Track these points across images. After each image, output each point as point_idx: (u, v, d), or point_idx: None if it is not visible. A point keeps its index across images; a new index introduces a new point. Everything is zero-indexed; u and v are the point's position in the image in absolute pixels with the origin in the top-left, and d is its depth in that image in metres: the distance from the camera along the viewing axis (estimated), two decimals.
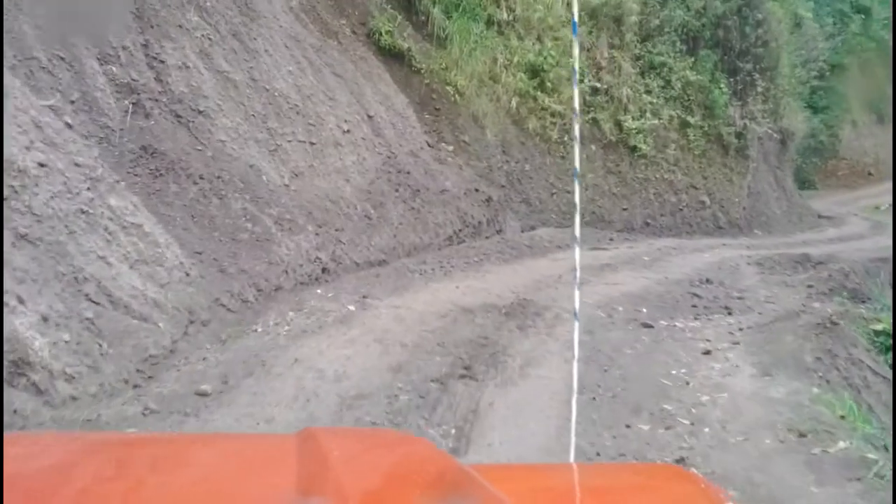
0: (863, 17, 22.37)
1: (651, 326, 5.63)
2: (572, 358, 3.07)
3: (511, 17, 11.16)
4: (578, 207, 2.96)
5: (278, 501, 0.92)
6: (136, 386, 3.91)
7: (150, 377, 4.02)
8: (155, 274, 4.63)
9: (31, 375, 3.42)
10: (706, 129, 12.91)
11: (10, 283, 3.56)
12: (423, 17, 10.10)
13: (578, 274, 3.08)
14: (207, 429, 3.48)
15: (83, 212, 4.29)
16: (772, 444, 3.48)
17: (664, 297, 6.73)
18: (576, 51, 3.05)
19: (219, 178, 5.93)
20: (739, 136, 13.23)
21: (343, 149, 7.80)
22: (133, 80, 5.79)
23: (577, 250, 3.03)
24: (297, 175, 6.95)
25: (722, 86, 12.91)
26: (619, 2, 12.14)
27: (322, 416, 3.66)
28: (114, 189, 4.72)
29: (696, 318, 6.07)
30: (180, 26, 6.41)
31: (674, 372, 4.61)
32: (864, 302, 6.59)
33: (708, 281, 7.57)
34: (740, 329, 5.67)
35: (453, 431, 3.61)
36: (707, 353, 5.04)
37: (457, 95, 10.11)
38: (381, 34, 9.46)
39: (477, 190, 9.45)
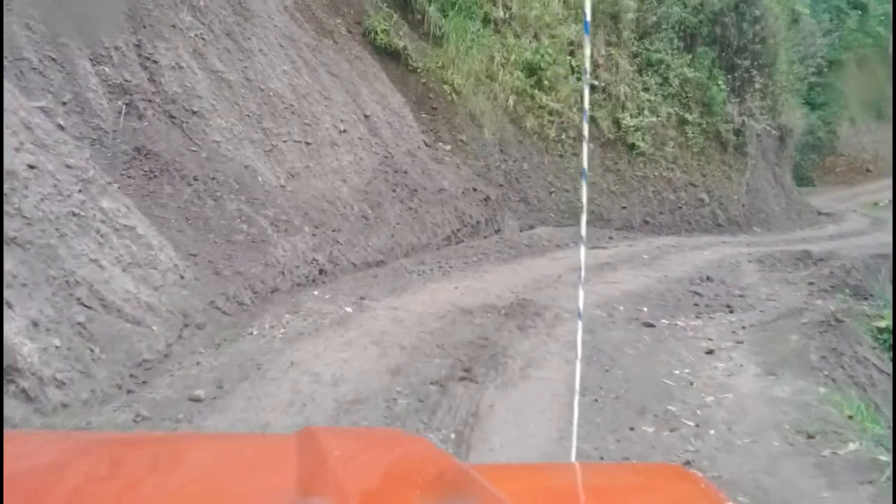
0: (859, 13, 22.34)
1: (652, 325, 5.57)
2: (574, 358, 3.01)
3: (507, 15, 11.09)
4: (585, 207, 2.90)
5: (278, 501, 0.92)
6: (129, 391, 3.82)
7: (143, 382, 3.94)
8: (148, 277, 4.55)
9: (21, 382, 3.33)
10: (704, 126, 12.85)
11: None
12: (418, 16, 10.02)
13: (583, 273, 3.01)
14: None
15: (74, 214, 4.20)
16: (780, 445, 3.41)
17: (665, 295, 6.67)
18: (587, 49, 2.99)
19: (213, 179, 5.85)
20: (738, 133, 13.19)
21: (339, 149, 7.72)
22: (126, 80, 5.71)
23: (583, 249, 2.96)
24: (292, 175, 6.87)
25: (720, 83, 12.86)
26: None
27: (319, 422, 3.58)
28: (106, 191, 4.64)
29: (697, 317, 6.01)
30: (173, 26, 6.33)
31: (677, 372, 4.54)
32: (866, 299, 6.53)
33: (708, 279, 7.52)
34: (743, 327, 5.60)
35: (453, 436, 3.54)
36: (710, 352, 4.97)
37: (454, 94, 10.04)
38: (376, 33, 9.39)
39: (475, 189, 9.38)
